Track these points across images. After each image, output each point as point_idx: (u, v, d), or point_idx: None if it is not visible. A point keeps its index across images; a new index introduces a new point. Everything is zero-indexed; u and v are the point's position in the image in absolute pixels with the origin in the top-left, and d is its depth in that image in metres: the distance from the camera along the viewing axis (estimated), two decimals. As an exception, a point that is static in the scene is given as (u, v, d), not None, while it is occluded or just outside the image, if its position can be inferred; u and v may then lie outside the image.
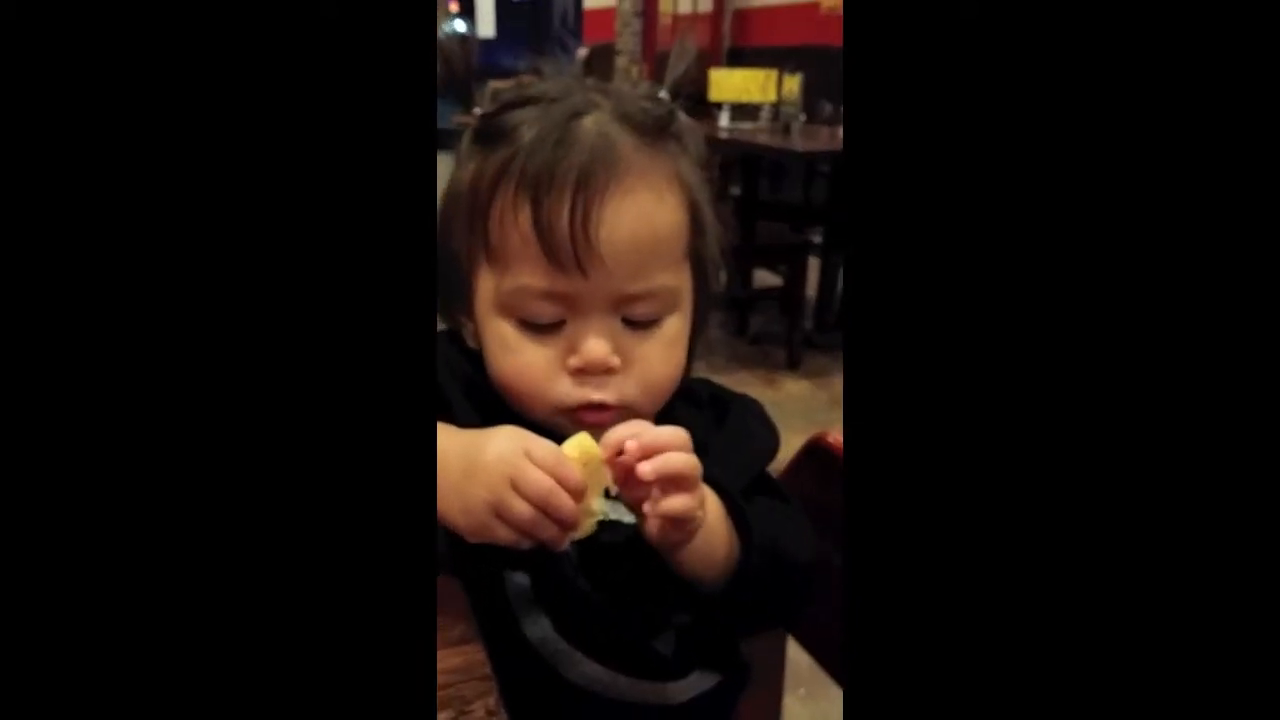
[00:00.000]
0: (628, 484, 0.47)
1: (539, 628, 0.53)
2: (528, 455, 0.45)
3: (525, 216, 0.50)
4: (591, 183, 0.49)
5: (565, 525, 0.45)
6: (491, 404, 0.55)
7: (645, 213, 0.51)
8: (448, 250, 0.56)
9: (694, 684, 0.57)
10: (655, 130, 0.53)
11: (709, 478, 0.50)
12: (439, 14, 9.20)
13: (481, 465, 0.46)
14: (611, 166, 0.50)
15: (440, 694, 0.43)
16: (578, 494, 0.45)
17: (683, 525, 0.48)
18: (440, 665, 0.45)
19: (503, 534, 0.46)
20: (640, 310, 0.53)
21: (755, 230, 2.84)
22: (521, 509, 0.45)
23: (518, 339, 0.52)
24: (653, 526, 0.47)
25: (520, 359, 0.53)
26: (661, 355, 0.54)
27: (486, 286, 0.54)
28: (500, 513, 0.45)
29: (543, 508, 0.45)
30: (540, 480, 0.44)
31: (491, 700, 0.43)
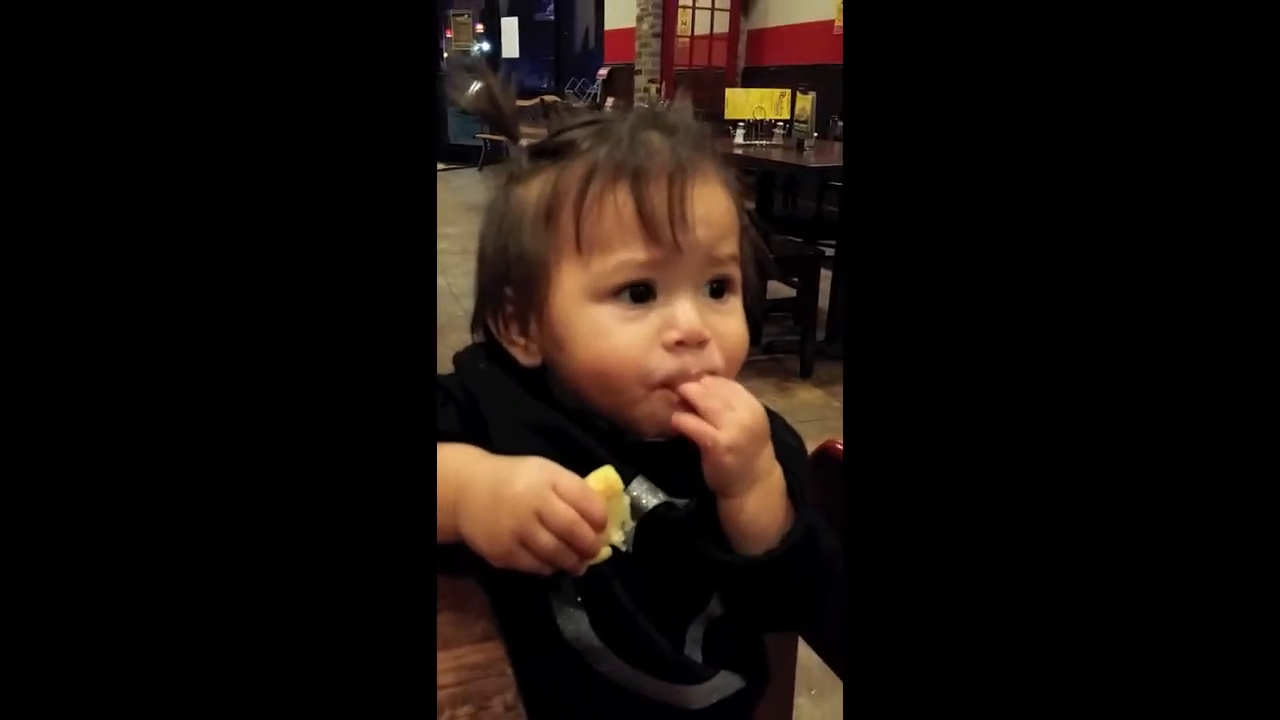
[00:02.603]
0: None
1: (575, 624, 0.54)
2: (554, 488, 0.47)
3: (625, 201, 0.54)
4: (683, 171, 0.55)
5: (585, 555, 0.48)
6: (535, 419, 0.57)
7: (718, 196, 0.57)
8: (509, 259, 0.58)
9: (718, 687, 0.58)
10: (704, 141, 0.58)
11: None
12: (465, 37, 9.32)
13: (510, 496, 0.48)
14: (689, 161, 0.55)
15: (460, 689, 0.45)
16: (599, 526, 0.47)
17: (750, 462, 0.52)
18: (460, 662, 0.47)
19: (526, 561, 0.48)
20: (719, 273, 0.57)
21: (770, 243, 2.86)
22: (546, 540, 0.47)
23: (610, 320, 0.55)
24: (723, 456, 0.52)
25: (615, 339, 0.55)
26: (736, 326, 0.58)
27: (573, 279, 0.55)
28: (525, 542, 0.47)
29: (566, 539, 0.47)
30: (565, 513, 0.47)
31: (510, 696, 0.44)
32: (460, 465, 0.52)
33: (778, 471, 0.55)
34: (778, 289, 3.17)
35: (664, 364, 0.54)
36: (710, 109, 3.54)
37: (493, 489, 0.49)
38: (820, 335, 2.99)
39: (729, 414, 0.52)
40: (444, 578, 0.52)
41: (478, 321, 0.62)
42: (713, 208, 0.56)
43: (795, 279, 2.98)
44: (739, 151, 3.08)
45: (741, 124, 3.46)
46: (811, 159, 2.94)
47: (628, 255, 0.54)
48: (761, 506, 0.54)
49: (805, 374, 2.86)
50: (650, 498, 0.55)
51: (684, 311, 0.55)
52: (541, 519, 0.47)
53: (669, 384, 0.54)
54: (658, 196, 0.54)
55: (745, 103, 3.57)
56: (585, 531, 0.47)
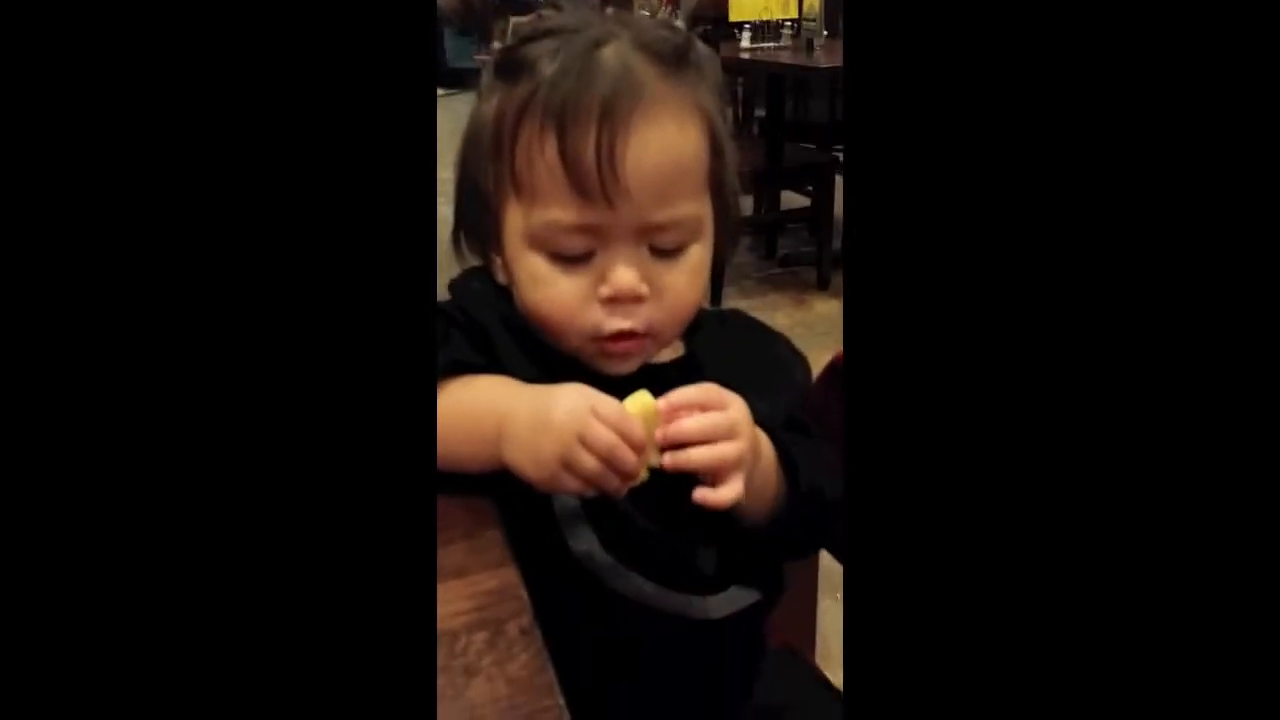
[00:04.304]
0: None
1: (585, 543, 0.55)
2: (594, 413, 0.48)
3: (551, 149, 0.51)
4: (615, 113, 0.50)
5: (627, 477, 0.49)
6: (531, 338, 0.57)
7: (668, 142, 0.52)
8: (474, 184, 0.57)
9: (733, 599, 0.59)
10: (674, 59, 0.54)
11: (756, 419, 0.52)
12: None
13: (552, 422, 0.48)
14: (634, 96, 0.51)
15: (475, 615, 0.45)
16: (639, 449, 0.48)
17: (724, 506, 0.50)
18: (476, 588, 0.47)
19: (571, 484, 0.49)
20: (666, 239, 0.54)
21: (782, 152, 2.78)
22: (590, 463, 0.48)
23: (548, 271, 0.54)
24: (701, 500, 0.50)
25: (552, 291, 0.54)
26: (686, 283, 0.55)
27: (515, 221, 0.54)
28: (569, 466, 0.48)
29: (608, 462, 0.48)
30: (607, 436, 0.47)
31: (525, 620, 0.44)
32: (498, 395, 0.53)
33: (765, 448, 0.54)
34: (792, 199, 3.11)
35: (599, 321, 0.54)
36: (717, 13, 3.40)
37: (534, 416, 0.49)
38: (836, 245, 2.94)
39: (715, 453, 0.49)
40: (458, 508, 0.52)
41: (457, 240, 0.61)
42: (657, 156, 0.51)
43: (809, 188, 2.91)
44: (745, 55, 2.97)
45: (748, 26, 3.33)
46: (822, 60, 2.82)
47: (558, 213, 0.52)
48: (752, 493, 0.53)
49: (822, 285, 2.82)
50: None
51: (619, 269, 0.52)
52: (584, 443, 0.47)
53: (604, 341, 0.54)
54: (584, 147, 0.50)
55: (751, 3, 3.42)
56: (626, 454, 0.48)
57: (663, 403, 0.50)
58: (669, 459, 0.49)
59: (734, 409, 0.51)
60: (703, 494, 0.49)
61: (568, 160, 0.50)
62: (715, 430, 0.49)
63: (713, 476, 0.49)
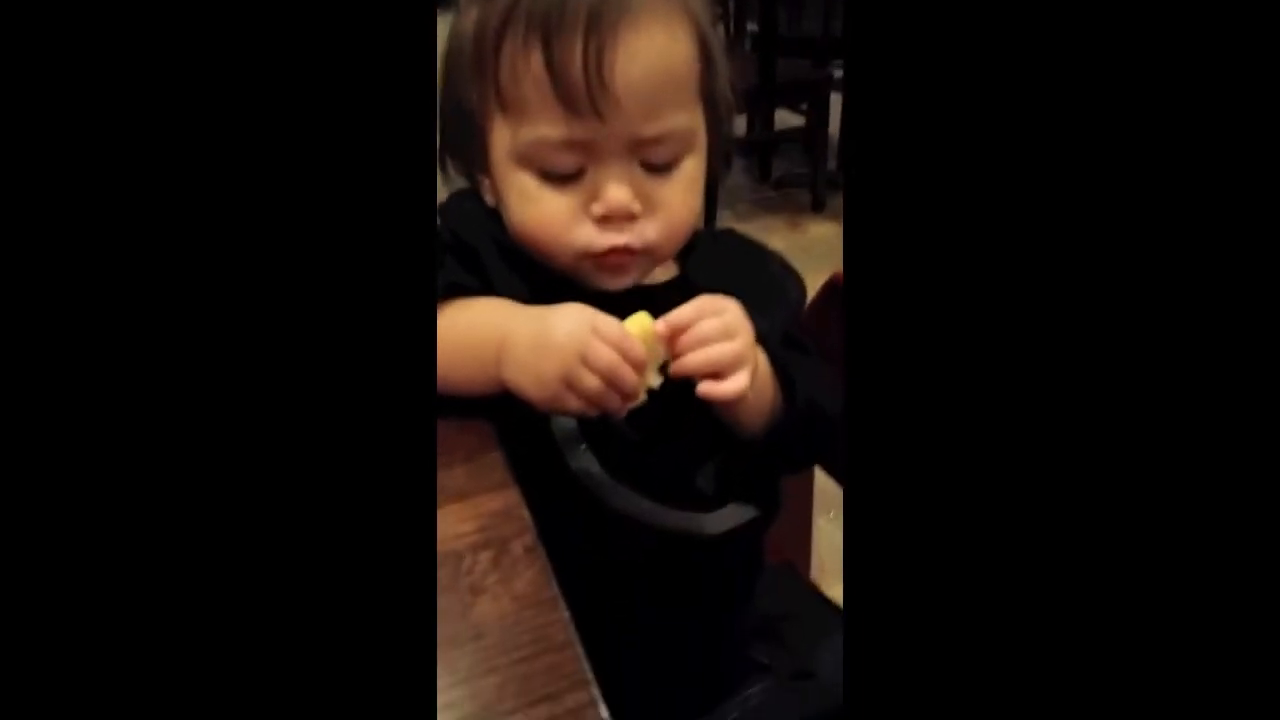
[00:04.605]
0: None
1: (584, 462, 0.55)
2: (596, 332, 0.48)
3: (537, 61, 0.49)
4: (602, 21, 0.48)
5: (628, 397, 0.49)
6: (522, 259, 0.56)
7: (658, 50, 0.50)
8: (457, 103, 0.55)
9: (731, 515, 0.59)
10: None
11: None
12: None
13: (553, 341, 0.48)
14: (621, 2, 0.49)
15: (480, 536, 0.45)
16: (639, 368, 0.48)
17: (730, 399, 0.50)
18: (479, 509, 0.47)
19: (573, 404, 0.49)
20: (658, 153, 0.53)
21: (775, 68, 2.71)
22: (591, 382, 0.48)
23: (538, 189, 0.53)
24: (705, 394, 0.50)
25: (542, 209, 0.53)
26: (681, 197, 0.54)
27: (502, 138, 0.53)
28: (571, 385, 0.48)
29: (609, 381, 0.48)
30: (608, 355, 0.47)
31: (529, 538, 0.45)
32: (497, 317, 0.52)
33: (761, 363, 0.54)
34: (785, 118, 3.04)
35: (591, 239, 0.53)
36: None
37: (535, 336, 0.49)
38: (831, 165, 2.89)
39: (716, 353, 0.49)
40: (459, 431, 0.53)
41: (443, 162, 0.59)
42: (647, 65, 0.50)
43: (804, 106, 2.85)
44: (739, -33, 2.87)
45: (741, -64, 3.20)
46: (817, -29, 2.73)
47: (545, 129, 0.50)
48: (751, 407, 0.53)
49: (817, 208, 2.78)
50: None
51: (611, 186, 0.51)
52: (585, 362, 0.47)
53: (597, 256, 0.53)
54: (570, 58, 0.48)
55: (744, -89, 3.28)
56: (627, 373, 0.48)
57: (661, 324, 0.49)
58: (674, 367, 0.49)
59: (730, 312, 0.51)
60: (708, 386, 0.49)
61: (554, 73, 0.48)
62: (713, 333, 0.49)
63: (716, 376, 0.49)
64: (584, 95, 0.49)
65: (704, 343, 0.49)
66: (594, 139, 0.50)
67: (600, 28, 0.48)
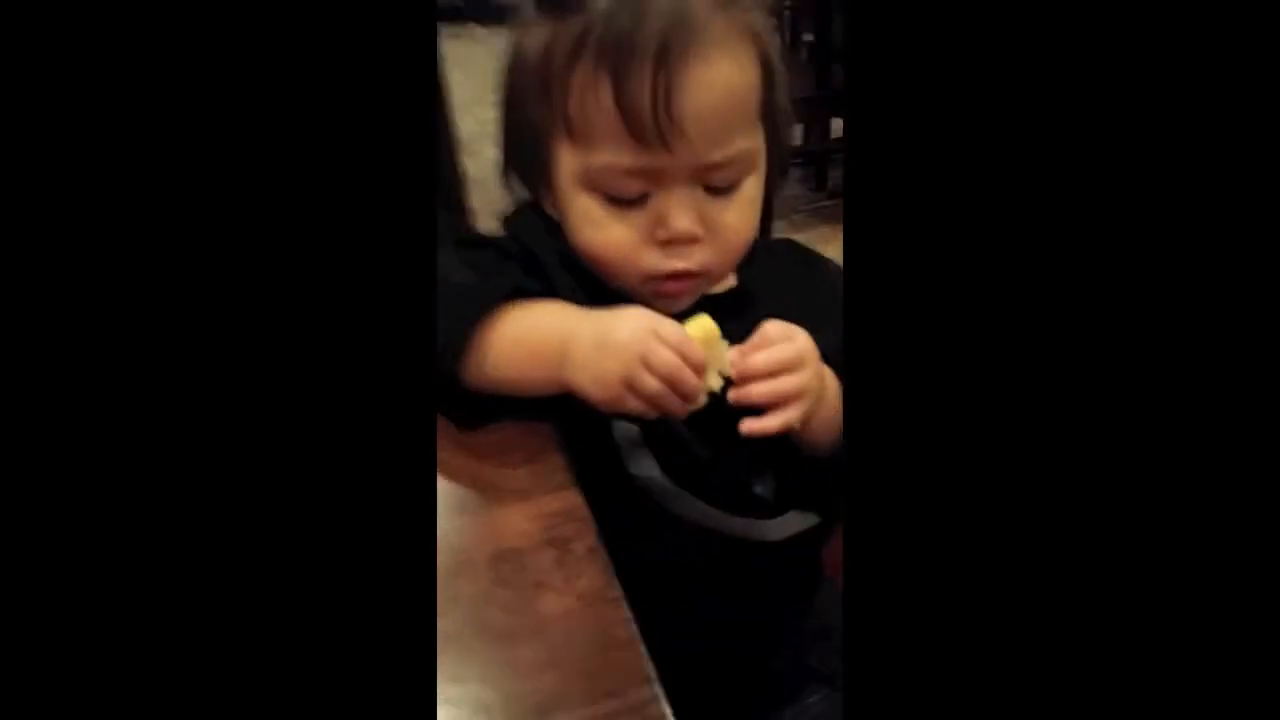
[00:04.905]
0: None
1: (645, 467, 0.55)
2: (657, 335, 0.48)
3: (606, 92, 0.50)
4: (671, 53, 0.49)
5: (688, 399, 0.49)
6: (586, 273, 0.57)
7: (724, 79, 0.51)
8: (520, 122, 0.56)
9: (791, 522, 0.59)
10: None
11: (821, 351, 0.52)
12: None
13: (615, 342, 0.49)
14: (689, 31, 0.50)
15: (544, 535, 0.46)
16: (700, 371, 0.49)
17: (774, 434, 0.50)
18: (541, 510, 0.48)
19: (633, 405, 0.49)
20: (721, 177, 0.53)
21: (831, 77, 2.69)
22: (652, 384, 0.48)
23: (602, 214, 0.54)
24: (748, 431, 0.50)
25: (606, 234, 0.54)
26: (741, 219, 0.55)
27: (568, 161, 0.54)
28: (632, 386, 0.48)
29: (670, 383, 0.48)
30: (669, 358, 0.48)
31: (591, 539, 0.45)
32: (561, 319, 0.53)
33: (830, 382, 0.54)
34: (842, 127, 3.01)
35: (655, 264, 0.54)
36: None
37: (598, 338, 0.50)
38: (888, 173, 2.85)
39: (780, 386, 0.49)
40: (521, 432, 0.53)
41: (506, 175, 0.60)
42: (714, 97, 0.50)
43: (860, 114, 2.82)
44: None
45: (797, -54, 3.19)
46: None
47: (612, 157, 0.51)
48: (822, 427, 0.53)
49: (873, 215, 2.75)
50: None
51: (676, 212, 0.52)
52: (646, 364, 0.48)
53: (660, 279, 0.54)
54: (640, 91, 0.49)
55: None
56: (688, 376, 0.48)
57: (734, 353, 0.50)
58: (733, 394, 0.50)
59: (799, 340, 0.51)
60: (749, 424, 0.49)
61: (623, 106, 0.49)
62: (780, 364, 0.49)
63: (773, 408, 0.49)
64: (652, 128, 0.49)
65: (771, 373, 0.49)
66: (660, 167, 0.51)
67: (669, 60, 0.49)
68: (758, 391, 0.49)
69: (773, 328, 0.51)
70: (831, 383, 0.54)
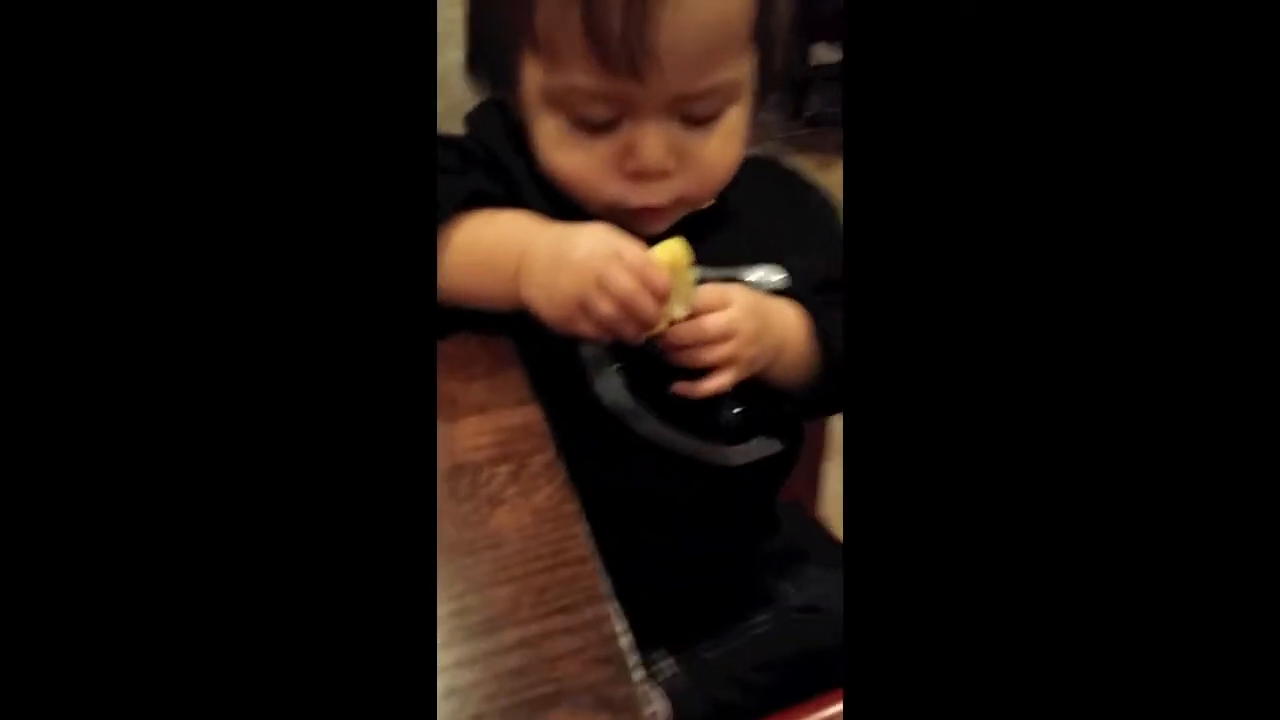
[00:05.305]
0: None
1: (610, 386, 0.54)
2: (618, 256, 0.46)
3: (574, 11, 0.46)
4: None
5: (644, 326, 0.47)
6: (556, 188, 0.54)
7: (707, 2, 0.47)
8: (485, 24, 0.53)
9: (755, 449, 0.59)
10: None
11: (790, 290, 0.52)
12: None
13: (571, 261, 0.46)
14: None
15: (499, 450, 0.45)
16: (661, 298, 0.46)
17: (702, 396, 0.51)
18: (500, 424, 0.47)
19: (585, 328, 0.47)
20: (701, 108, 0.50)
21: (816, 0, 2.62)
22: (606, 308, 0.46)
23: (568, 136, 0.50)
24: (679, 392, 0.52)
25: (572, 158, 0.51)
26: (720, 149, 0.52)
27: (533, 77, 0.50)
28: (585, 308, 0.46)
29: (626, 308, 0.46)
30: (627, 282, 0.45)
31: (548, 455, 0.45)
32: (521, 230, 0.50)
33: (792, 333, 0.53)
34: (823, 53, 2.95)
35: (622, 195, 0.51)
36: None
37: (555, 254, 0.47)
38: (866, 104, 2.81)
39: (705, 356, 0.50)
40: (480, 346, 0.52)
41: (470, 68, 0.57)
42: (694, 23, 0.46)
43: (841, 40, 2.76)
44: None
45: None
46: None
47: (579, 78, 0.47)
48: (784, 370, 0.53)
49: (848, 147, 2.72)
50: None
51: (646, 143, 0.49)
52: (603, 285, 0.45)
53: (628, 209, 0.52)
54: (610, 11, 0.44)
55: None
56: (646, 302, 0.45)
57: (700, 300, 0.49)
58: (666, 349, 0.50)
59: (732, 309, 0.50)
60: (680, 386, 0.50)
61: (591, 30, 0.45)
62: (706, 336, 0.49)
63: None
64: (623, 56, 0.46)
65: (699, 341, 0.49)
66: (631, 95, 0.48)
67: None
68: (685, 358, 0.49)
69: (705, 296, 0.50)
70: (794, 326, 0.53)
